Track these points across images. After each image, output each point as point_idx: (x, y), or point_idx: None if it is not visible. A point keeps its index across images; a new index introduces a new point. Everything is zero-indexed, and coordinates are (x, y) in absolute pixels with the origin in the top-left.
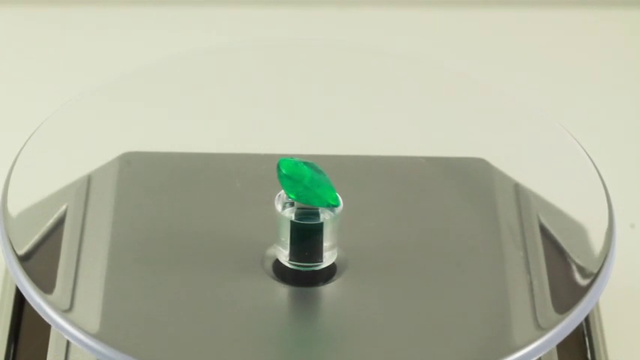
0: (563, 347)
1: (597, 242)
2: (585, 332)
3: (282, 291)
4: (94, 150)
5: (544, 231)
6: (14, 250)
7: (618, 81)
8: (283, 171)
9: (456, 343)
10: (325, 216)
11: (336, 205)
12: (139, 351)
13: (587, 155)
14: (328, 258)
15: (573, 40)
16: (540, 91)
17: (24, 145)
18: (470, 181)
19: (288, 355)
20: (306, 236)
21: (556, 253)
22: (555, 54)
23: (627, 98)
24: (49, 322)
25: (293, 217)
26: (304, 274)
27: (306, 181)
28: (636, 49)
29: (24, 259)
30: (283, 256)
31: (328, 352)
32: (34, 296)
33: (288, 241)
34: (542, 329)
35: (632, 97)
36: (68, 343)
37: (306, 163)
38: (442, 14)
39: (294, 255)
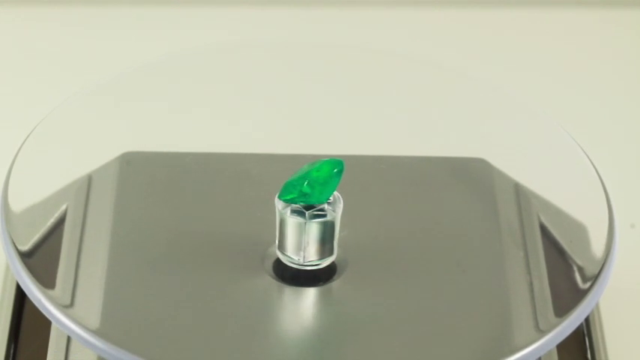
0: (563, 347)
1: (597, 242)
2: (585, 332)
3: (283, 290)
4: (94, 150)
5: (544, 231)
6: (15, 247)
7: (618, 81)
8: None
9: (456, 343)
10: (326, 215)
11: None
12: (139, 348)
13: (586, 155)
14: (328, 257)
15: (573, 40)
16: (540, 91)
17: (23, 144)
18: (470, 181)
19: (288, 355)
20: (299, 234)
21: (556, 253)
22: (555, 54)
23: (627, 98)
24: (49, 318)
25: (293, 216)
26: (304, 274)
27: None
28: (636, 49)
29: (25, 256)
30: (283, 255)
31: (328, 352)
32: (34, 292)
33: (288, 241)
34: (542, 330)
35: (632, 97)
36: (68, 343)
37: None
38: (442, 14)
39: (294, 254)
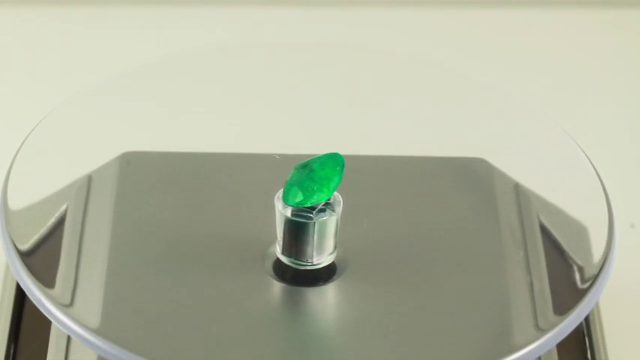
0: (563, 347)
1: (597, 242)
2: (585, 332)
3: (282, 290)
4: (94, 150)
5: (544, 231)
6: (15, 246)
7: (618, 81)
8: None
9: (457, 342)
10: (325, 214)
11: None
12: (139, 347)
13: (585, 155)
14: (328, 257)
15: (573, 40)
16: (540, 91)
17: (23, 143)
18: (470, 181)
19: (287, 355)
20: (306, 234)
21: (556, 253)
22: (555, 54)
23: (627, 98)
24: (49, 318)
25: (293, 216)
26: (304, 274)
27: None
28: (636, 49)
29: (25, 256)
30: (283, 255)
31: (328, 352)
32: (34, 292)
33: (288, 240)
34: (542, 329)
35: (632, 97)
36: (68, 343)
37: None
38: (442, 14)
39: (293, 254)
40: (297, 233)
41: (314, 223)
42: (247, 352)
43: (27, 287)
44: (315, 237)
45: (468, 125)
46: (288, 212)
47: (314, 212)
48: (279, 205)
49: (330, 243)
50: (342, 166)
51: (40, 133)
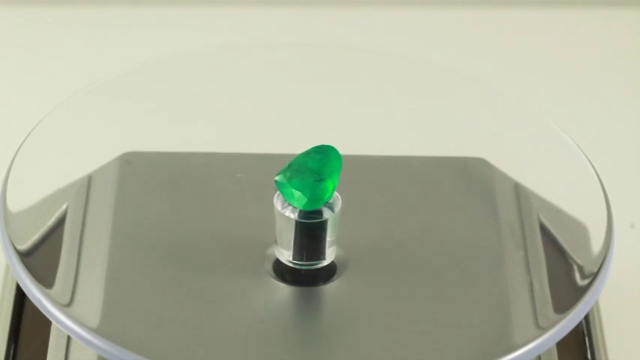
0: (563, 346)
1: (597, 242)
2: (585, 332)
3: (283, 290)
4: (94, 150)
5: (544, 230)
6: (15, 247)
7: (618, 81)
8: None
9: (456, 342)
10: (325, 214)
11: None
12: (139, 347)
13: (585, 155)
14: (327, 257)
15: (573, 40)
16: (540, 91)
17: (23, 143)
18: (470, 181)
19: (288, 355)
20: (305, 234)
21: (556, 252)
22: (555, 54)
23: (627, 98)
24: (49, 318)
25: (293, 216)
26: (304, 274)
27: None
28: (636, 49)
29: (24, 256)
30: (283, 255)
31: (328, 351)
32: (34, 292)
33: (288, 240)
34: (541, 328)
35: (631, 97)
36: (68, 342)
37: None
38: (442, 14)
39: (293, 254)
40: (310, 234)
41: (326, 220)
42: (248, 352)
43: (27, 287)
44: (327, 234)
45: (468, 125)
46: (287, 212)
47: (325, 207)
48: (278, 205)
49: (335, 239)
50: (338, 154)
51: (40, 133)
